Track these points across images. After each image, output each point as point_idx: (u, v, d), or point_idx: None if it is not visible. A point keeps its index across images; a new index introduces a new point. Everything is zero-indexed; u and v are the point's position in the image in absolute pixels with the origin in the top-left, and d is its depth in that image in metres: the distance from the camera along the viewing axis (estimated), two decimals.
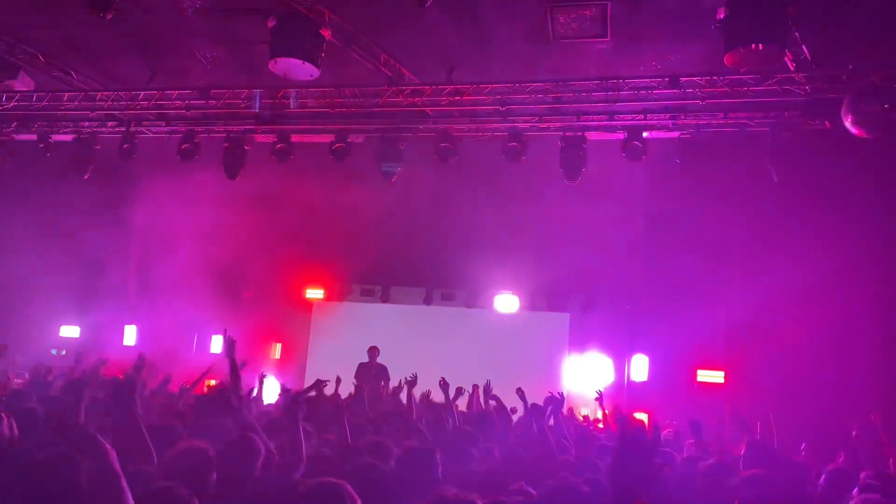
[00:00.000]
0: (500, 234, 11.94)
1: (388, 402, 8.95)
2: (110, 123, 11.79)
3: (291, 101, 10.34)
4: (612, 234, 11.72)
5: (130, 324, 14.02)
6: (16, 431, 3.98)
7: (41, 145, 11.90)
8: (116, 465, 2.70)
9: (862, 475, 4.20)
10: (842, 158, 9.55)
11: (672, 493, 3.79)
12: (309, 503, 2.77)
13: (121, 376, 7.96)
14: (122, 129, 11.56)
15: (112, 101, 11.11)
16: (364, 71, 9.79)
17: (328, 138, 11.04)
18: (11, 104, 11.26)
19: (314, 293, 14.22)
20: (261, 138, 11.54)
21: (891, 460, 5.40)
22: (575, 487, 3.04)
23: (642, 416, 11.18)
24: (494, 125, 10.62)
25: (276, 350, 13.97)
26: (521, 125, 10.44)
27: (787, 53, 7.99)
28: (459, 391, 7.40)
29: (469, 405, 8.16)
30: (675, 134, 10.21)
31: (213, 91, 10.65)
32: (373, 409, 7.46)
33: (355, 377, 10.88)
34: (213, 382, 9.21)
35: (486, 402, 7.79)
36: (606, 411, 8.23)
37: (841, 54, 8.52)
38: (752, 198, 10.75)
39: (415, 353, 11.68)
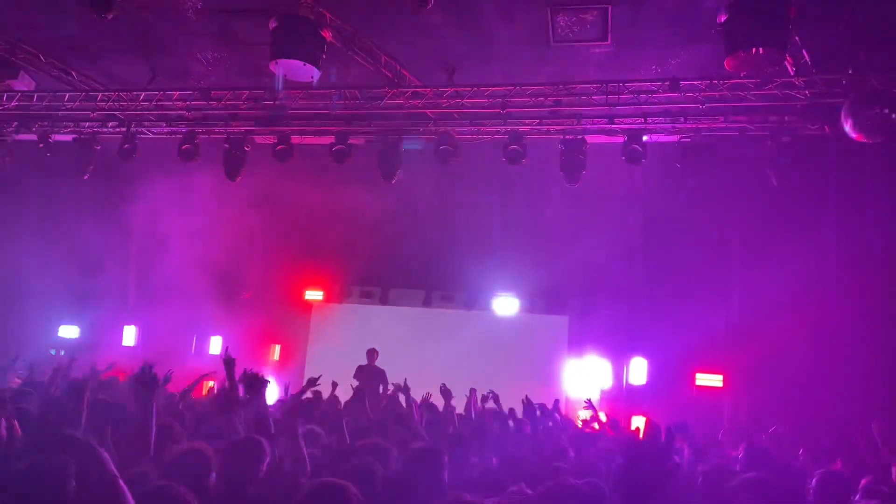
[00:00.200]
0: (499, 236, 11.95)
1: (386, 405, 8.95)
2: (111, 124, 11.79)
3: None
4: (612, 237, 11.73)
5: (129, 324, 14.01)
6: (18, 432, 3.99)
7: (41, 145, 11.88)
8: (114, 470, 2.70)
9: (863, 482, 4.20)
10: (841, 163, 9.57)
11: (673, 496, 3.78)
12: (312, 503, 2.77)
13: (121, 378, 7.97)
14: (123, 129, 11.55)
15: (113, 101, 11.11)
16: (365, 73, 9.80)
17: (328, 140, 11.04)
18: (12, 104, 11.25)
19: (313, 295, 14.22)
20: (261, 139, 11.54)
21: (893, 468, 5.39)
22: (575, 489, 3.04)
23: (640, 420, 11.21)
24: (495, 128, 10.63)
25: (275, 352, 13.96)
26: (521, 128, 10.45)
27: (788, 58, 8.00)
28: (448, 393, 7.38)
29: (467, 409, 8.16)
30: (675, 138, 10.23)
31: (213, 92, 10.65)
32: (372, 411, 7.45)
33: (354, 379, 10.89)
34: (211, 384, 9.22)
35: (482, 407, 7.81)
36: (601, 416, 8.24)
37: (841, 59, 8.53)
38: (751, 202, 10.76)
39: (414, 355, 11.70)
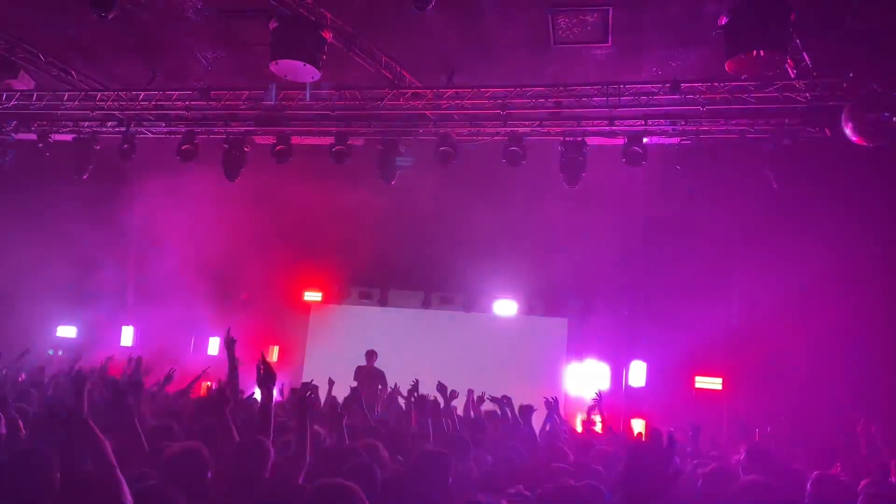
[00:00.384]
0: (499, 237, 11.93)
1: (383, 406, 8.94)
2: (110, 123, 11.77)
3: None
4: (612, 239, 11.72)
5: (127, 324, 13.99)
6: (23, 431, 3.98)
7: (41, 145, 11.87)
8: (112, 458, 2.69)
9: (862, 483, 4.19)
10: (842, 166, 9.56)
11: (673, 499, 3.77)
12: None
13: (118, 376, 7.96)
14: (122, 129, 11.54)
15: (112, 101, 11.10)
16: (365, 73, 9.79)
17: (328, 140, 11.03)
18: (11, 103, 11.23)
19: (312, 296, 14.20)
20: (260, 140, 11.53)
21: (892, 469, 5.37)
22: (574, 491, 3.02)
23: (640, 423, 11.21)
24: (495, 129, 10.61)
25: (274, 352, 13.94)
26: (521, 129, 10.44)
27: (788, 61, 7.99)
28: (454, 394, 7.38)
29: (465, 410, 8.15)
30: (676, 140, 10.21)
31: (213, 92, 10.64)
32: (369, 413, 7.44)
33: (354, 380, 10.88)
34: (209, 384, 9.21)
35: (476, 409, 7.79)
36: (598, 418, 8.22)
37: (842, 62, 8.52)
38: (751, 205, 10.75)
39: (412, 357, 11.69)
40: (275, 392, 7.40)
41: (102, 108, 11.29)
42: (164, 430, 4.41)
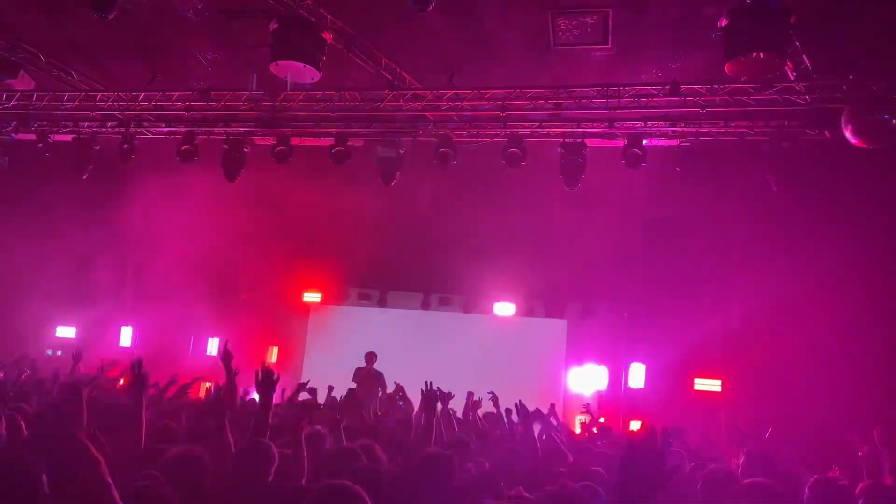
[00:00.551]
0: (498, 239, 11.93)
1: (382, 408, 8.95)
2: (110, 124, 11.77)
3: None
4: (611, 241, 11.72)
5: (126, 325, 13.98)
6: (24, 431, 3.98)
7: (40, 145, 11.86)
8: (107, 476, 2.68)
9: (861, 486, 4.19)
10: (841, 168, 9.57)
11: (671, 501, 3.77)
12: None
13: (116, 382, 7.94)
14: (122, 129, 11.53)
15: (112, 101, 11.09)
16: (365, 75, 9.79)
17: (328, 141, 11.03)
18: (11, 103, 11.23)
19: (311, 297, 14.20)
20: (260, 141, 11.52)
21: (885, 471, 5.37)
22: (575, 494, 3.02)
23: (638, 424, 11.20)
24: (494, 130, 10.62)
25: (273, 353, 13.93)
26: (521, 131, 10.44)
27: (788, 63, 8.00)
28: (449, 396, 7.36)
29: (465, 412, 8.14)
30: (675, 142, 10.22)
31: (213, 93, 10.64)
32: (367, 414, 7.45)
33: (353, 381, 10.88)
34: (208, 385, 9.20)
35: (474, 414, 7.77)
36: (600, 420, 8.22)
37: (841, 64, 8.52)
38: (751, 207, 10.75)
39: (411, 358, 11.68)
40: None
41: (102, 109, 11.28)
42: (164, 432, 4.40)
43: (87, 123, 11.83)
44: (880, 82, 8.47)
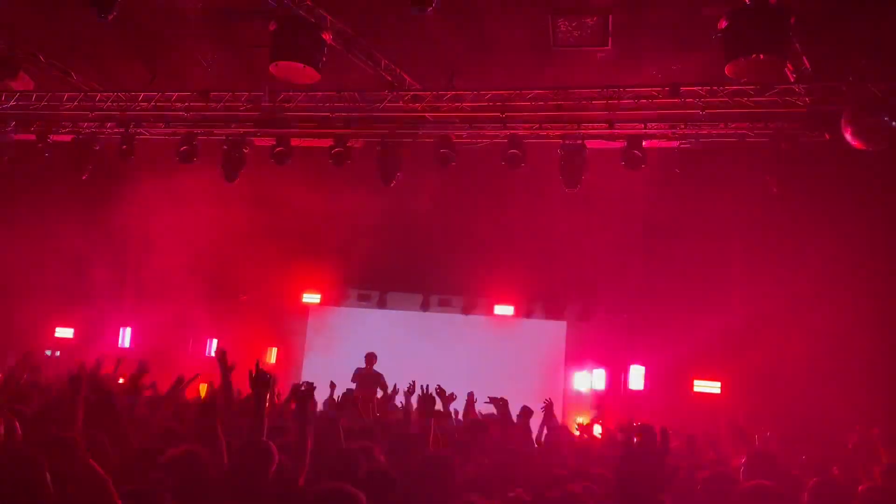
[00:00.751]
0: (498, 240, 11.93)
1: (380, 409, 8.93)
2: (109, 124, 11.75)
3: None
4: (611, 242, 11.72)
5: (126, 325, 13.96)
6: (19, 432, 3.97)
7: (40, 145, 11.85)
8: (102, 472, 2.68)
9: (860, 489, 4.18)
10: (841, 170, 9.57)
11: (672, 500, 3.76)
12: None
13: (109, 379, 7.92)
14: (121, 130, 11.52)
15: (112, 101, 11.08)
16: (364, 75, 9.79)
17: (327, 142, 11.03)
18: (10, 104, 11.22)
19: (311, 297, 14.17)
20: (260, 141, 11.51)
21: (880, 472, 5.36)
22: (575, 497, 3.01)
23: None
24: (494, 132, 10.61)
25: (272, 354, 13.91)
26: (521, 132, 10.43)
27: (788, 65, 8.00)
28: (451, 397, 7.36)
29: (465, 413, 8.12)
30: (675, 143, 10.22)
31: (212, 93, 10.63)
32: (365, 415, 7.43)
33: (352, 382, 10.87)
34: (208, 384, 9.18)
35: (475, 412, 7.76)
36: (599, 422, 8.20)
37: (841, 66, 8.53)
38: (750, 208, 10.76)
39: (411, 359, 11.66)
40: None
41: (102, 109, 11.27)
42: (168, 433, 4.41)
43: (86, 124, 11.82)
44: (880, 84, 8.47)
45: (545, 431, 7.22)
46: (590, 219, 11.38)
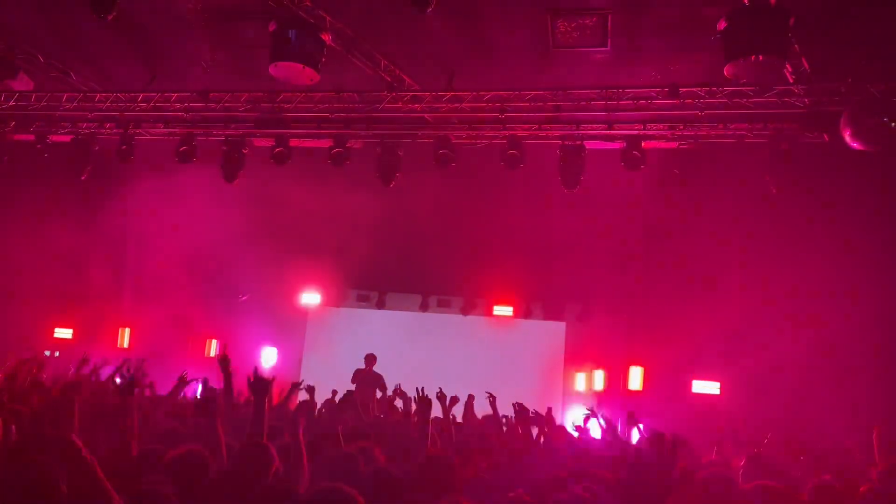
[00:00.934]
0: (497, 241, 11.92)
1: (380, 410, 8.93)
2: (108, 125, 11.74)
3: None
4: (610, 243, 11.73)
5: (125, 326, 13.95)
6: (14, 434, 3.96)
7: (39, 146, 11.84)
8: (100, 473, 2.68)
9: (862, 489, 4.18)
10: (840, 171, 9.57)
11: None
12: None
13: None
14: (120, 130, 11.52)
15: (111, 102, 11.07)
16: (364, 76, 9.79)
17: (327, 143, 11.03)
18: (10, 104, 11.21)
19: (310, 298, 14.16)
20: (259, 142, 11.51)
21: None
22: (581, 500, 3.01)
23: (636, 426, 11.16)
24: (493, 132, 10.61)
25: (271, 355, 13.89)
26: (520, 133, 10.44)
27: (787, 65, 8.00)
28: (454, 400, 7.36)
29: (465, 415, 8.13)
30: (674, 144, 10.22)
31: (212, 94, 10.63)
32: (364, 416, 7.43)
33: (352, 383, 10.87)
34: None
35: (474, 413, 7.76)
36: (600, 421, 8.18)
37: (840, 67, 8.54)
38: (749, 209, 10.76)
39: (410, 360, 11.68)
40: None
41: (101, 110, 11.26)
42: (170, 433, 4.41)
43: (85, 124, 11.82)
44: (879, 85, 8.48)
45: (543, 434, 7.22)
46: (589, 219, 11.38)
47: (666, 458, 2.05)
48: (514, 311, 13.34)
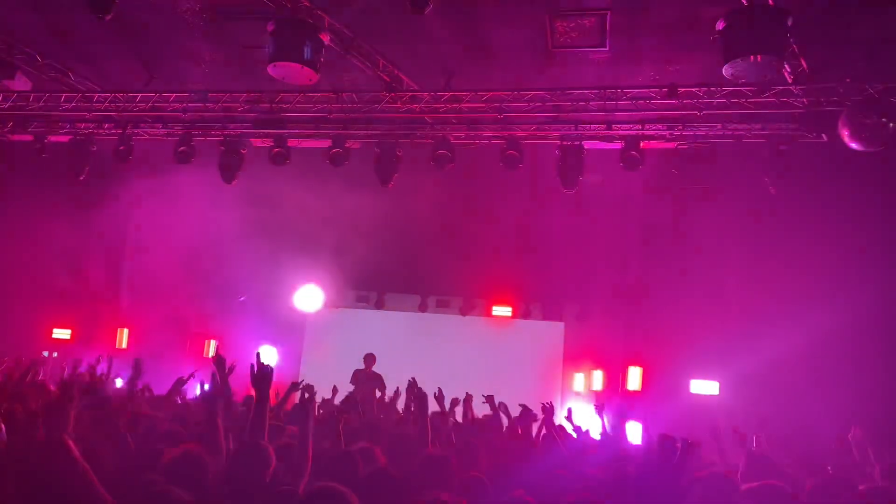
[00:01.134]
0: (495, 241, 11.93)
1: (380, 411, 8.92)
2: (107, 125, 11.74)
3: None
4: (609, 243, 11.73)
5: (123, 326, 13.94)
6: (3, 435, 3.94)
7: (37, 146, 11.82)
8: (91, 475, 2.67)
9: (861, 488, 4.18)
10: (839, 171, 9.58)
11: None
12: None
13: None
14: (119, 130, 11.50)
15: (109, 102, 11.06)
16: (362, 76, 9.79)
17: (325, 143, 11.02)
18: (7, 104, 11.20)
19: (309, 299, 14.14)
20: (258, 142, 11.51)
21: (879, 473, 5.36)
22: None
23: (635, 426, 11.17)
24: (492, 133, 10.62)
25: (271, 355, 13.88)
26: (518, 133, 10.45)
27: (785, 66, 8.01)
28: (455, 402, 7.36)
29: (464, 415, 8.11)
30: (673, 144, 10.23)
31: (210, 94, 10.63)
32: (364, 415, 7.43)
33: (351, 383, 10.86)
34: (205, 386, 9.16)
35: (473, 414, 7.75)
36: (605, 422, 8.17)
37: (839, 67, 8.54)
38: (748, 209, 10.76)
39: (409, 360, 11.64)
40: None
41: (99, 110, 11.25)
42: (172, 434, 4.40)
43: (83, 124, 11.80)
44: (877, 85, 8.49)
45: (542, 432, 7.21)
46: (587, 219, 11.38)
47: (676, 464, 2.01)
48: (512, 312, 13.35)
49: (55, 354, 12.98)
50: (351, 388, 10.66)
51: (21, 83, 10.53)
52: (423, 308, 13.71)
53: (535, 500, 3.20)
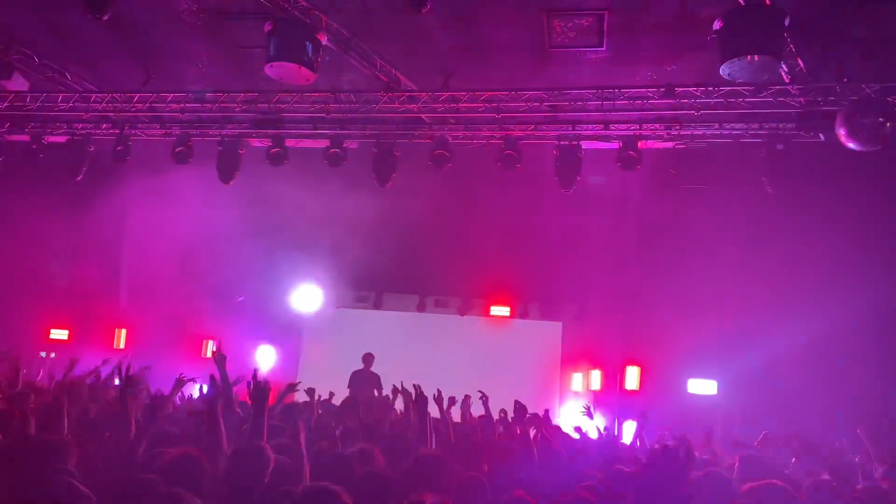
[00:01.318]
0: (494, 241, 11.92)
1: (379, 411, 8.91)
2: (104, 125, 11.72)
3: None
4: (606, 242, 11.74)
5: (121, 327, 13.92)
6: None
7: (34, 146, 11.80)
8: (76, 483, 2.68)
9: (858, 488, 4.19)
10: (836, 171, 9.59)
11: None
12: None
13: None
14: (116, 131, 11.49)
15: (107, 102, 11.04)
16: (360, 76, 9.79)
17: (323, 143, 11.02)
18: (4, 105, 11.18)
19: (308, 299, 14.13)
20: (255, 142, 11.50)
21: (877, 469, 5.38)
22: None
23: (633, 426, 11.18)
24: (490, 132, 10.62)
25: (270, 355, 13.86)
26: (516, 133, 10.45)
27: (783, 65, 8.02)
28: (452, 401, 7.35)
29: (463, 416, 8.12)
30: (670, 144, 10.24)
31: (208, 94, 10.61)
32: (365, 416, 7.43)
33: (349, 384, 10.86)
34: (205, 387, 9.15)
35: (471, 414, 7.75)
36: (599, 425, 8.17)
37: (836, 67, 8.56)
38: (745, 209, 10.78)
39: (407, 360, 11.66)
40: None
41: (96, 111, 11.23)
42: (164, 435, 4.40)
43: (81, 125, 11.78)
44: (874, 85, 8.51)
45: (539, 435, 7.20)
46: (585, 219, 11.39)
47: (678, 473, 2.00)
48: (510, 312, 13.35)
49: (53, 355, 12.96)
50: (348, 388, 10.68)
51: (18, 83, 10.52)
52: (421, 308, 13.71)
53: (535, 501, 3.20)
